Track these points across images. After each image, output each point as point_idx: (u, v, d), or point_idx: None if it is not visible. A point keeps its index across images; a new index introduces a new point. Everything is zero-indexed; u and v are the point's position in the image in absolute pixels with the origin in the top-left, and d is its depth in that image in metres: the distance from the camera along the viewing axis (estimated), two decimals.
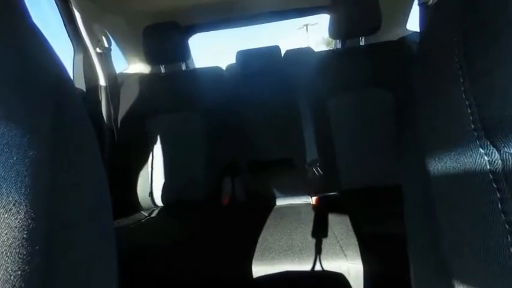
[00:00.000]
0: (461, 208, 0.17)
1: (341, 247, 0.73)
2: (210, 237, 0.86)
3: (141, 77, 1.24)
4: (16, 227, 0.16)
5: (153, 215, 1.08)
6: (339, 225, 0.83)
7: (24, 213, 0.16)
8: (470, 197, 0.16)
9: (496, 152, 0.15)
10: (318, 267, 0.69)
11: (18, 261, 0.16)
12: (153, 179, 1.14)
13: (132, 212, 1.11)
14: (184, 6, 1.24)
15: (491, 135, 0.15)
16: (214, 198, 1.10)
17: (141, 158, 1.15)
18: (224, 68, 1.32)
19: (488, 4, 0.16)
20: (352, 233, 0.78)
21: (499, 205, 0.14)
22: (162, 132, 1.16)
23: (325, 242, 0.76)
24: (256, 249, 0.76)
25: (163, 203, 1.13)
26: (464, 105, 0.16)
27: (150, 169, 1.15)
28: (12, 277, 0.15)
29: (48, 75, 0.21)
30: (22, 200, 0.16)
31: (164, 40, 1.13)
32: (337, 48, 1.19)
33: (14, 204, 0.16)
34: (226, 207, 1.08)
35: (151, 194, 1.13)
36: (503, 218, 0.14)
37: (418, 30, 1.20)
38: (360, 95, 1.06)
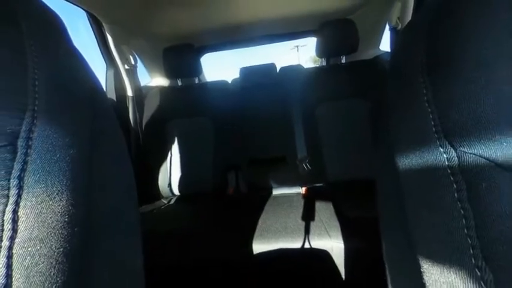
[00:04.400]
0: (424, 198, 0.17)
1: (326, 229, 0.72)
2: (218, 222, 0.86)
3: (162, 89, 1.24)
4: (59, 212, 0.16)
5: (171, 202, 1.08)
6: (324, 210, 0.83)
7: (66, 201, 0.16)
8: (432, 188, 0.16)
9: (453, 151, 0.15)
10: (306, 245, 0.69)
11: (60, 240, 0.16)
12: (171, 173, 1.14)
13: (155, 200, 1.11)
14: (197, 30, 1.24)
15: (449, 137, 0.15)
16: (221, 189, 1.11)
17: (162, 155, 1.15)
18: (229, 82, 1.32)
19: (446, 32, 0.16)
20: (335, 217, 0.78)
21: (456, 194, 0.14)
22: (178, 134, 1.17)
23: (313, 225, 0.75)
24: (256, 231, 0.76)
25: (179, 193, 1.14)
26: (427, 112, 0.16)
27: (169, 165, 1.15)
28: (55, 253, 0.15)
29: (86, 88, 0.21)
30: (64, 190, 0.16)
31: (180, 59, 1.13)
32: (322, 65, 1.18)
33: (57, 194, 0.16)
34: (231, 197, 1.08)
35: (169, 185, 1.13)
36: (459, 205, 0.14)
37: (389, 50, 1.20)
38: (342, 103, 1.06)
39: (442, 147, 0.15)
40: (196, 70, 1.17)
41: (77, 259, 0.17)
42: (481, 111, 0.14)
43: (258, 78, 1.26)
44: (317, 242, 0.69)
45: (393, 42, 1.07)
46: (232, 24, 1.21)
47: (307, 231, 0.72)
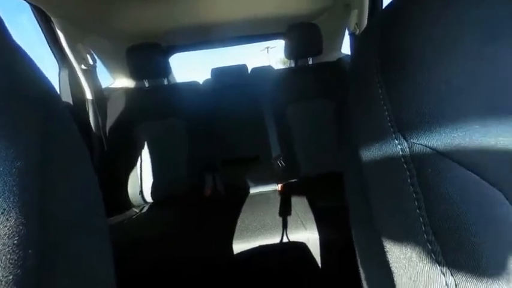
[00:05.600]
0: (384, 186, 0.18)
1: (301, 221, 0.75)
2: (196, 225, 0.83)
3: (127, 91, 1.15)
4: (6, 235, 0.13)
5: (144, 210, 1.01)
6: (300, 204, 0.86)
7: (14, 220, 0.14)
8: (390, 177, 0.18)
9: (405, 142, 0.17)
10: (285, 240, 0.71)
11: (9, 267, 0.13)
12: (142, 179, 1.07)
13: (125, 210, 1.02)
14: (164, 29, 1.18)
15: (402, 130, 0.17)
16: (198, 191, 1.07)
17: (131, 161, 1.07)
18: (201, 83, 1.28)
19: (395, 38, 0.18)
20: (309, 210, 0.81)
21: (409, 180, 0.16)
22: (149, 137, 1.09)
23: (290, 219, 0.78)
24: (236, 230, 0.75)
25: (152, 199, 1.07)
26: (383, 110, 0.18)
27: (139, 171, 1.07)
28: (3, 282, 0.13)
29: (34, 91, 0.18)
30: (11, 208, 0.14)
31: (147, 59, 1.06)
32: (291, 67, 1.23)
33: (2, 213, 0.13)
34: (208, 198, 1.05)
35: (141, 192, 1.06)
36: (412, 189, 0.16)
37: (349, 53, 1.30)
38: (311, 103, 1.11)
39: (397, 140, 0.17)
40: (165, 71, 1.12)
41: (32, 285, 0.15)
42: (425, 108, 0.16)
43: (229, 79, 1.25)
44: (294, 235, 0.71)
45: (352, 46, 1.16)
46: (201, 24, 1.17)
47: (284, 226, 0.74)
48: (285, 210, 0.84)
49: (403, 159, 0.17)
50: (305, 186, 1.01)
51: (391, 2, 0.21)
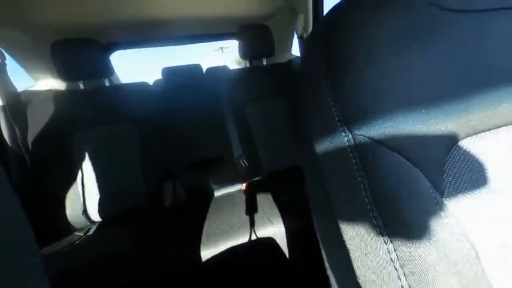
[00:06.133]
0: (337, 174, 0.20)
1: (268, 217, 0.78)
2: (157, 238, 0.76)
3: (56, 94, 0.96)
4: None
5: (90, 232, 0.86)
6: (265, 200, 0.89)
7: None
8: (341, 165, 0.20)
9: (350, 134, 0.19)
10: (253, 237, 0.72)
11: None
12: (85, 196, 0.91)
13: (64, 235, 0.86)
14: (102, 24, 1.03)
15: (347, 123, 0.19)
16: (157, 201, 0.98)
17: (67, 176, 0.90)
18: (151, 83, 1.17)
19: (336, 42, 0.20)
20: (274, 205, 0.84)
21: (355, 167, 0.19)
22: (90, 147, 0.94)
23: (256, 216, 0.79)
24: (202, 237, 0.73)
25: (101, 218, 0.93)
26: (330, 106, 0.20)
27: (80, 187, 0.91)
28: None
29: None
30: None
31: (80, 56, 0.90)
32: (246, 67, 1.25)
33: None
34: (169, 208, 0.98)
35: (85, 211, 0.90)
36: (357, 173, 0.18)
37: (299, 55, 1.40)
38: (268, 102, 1.15)
39: (344, 132, 0.19)
40: (105, 70, 0.98)
41: None
42: (363, 104, 0.19)
43: (183, 79, 1.18)
44: (261, 232, 0.73)
45: (301, 49, 1.25)
46: (146, 19, 1.07)
47: (251, 224, 0.75)
48: (251, 209, 0.85)
49: (349, 149, 0.19)
50: (269, 182, 1.04)
51: (330, 10, 0.23)
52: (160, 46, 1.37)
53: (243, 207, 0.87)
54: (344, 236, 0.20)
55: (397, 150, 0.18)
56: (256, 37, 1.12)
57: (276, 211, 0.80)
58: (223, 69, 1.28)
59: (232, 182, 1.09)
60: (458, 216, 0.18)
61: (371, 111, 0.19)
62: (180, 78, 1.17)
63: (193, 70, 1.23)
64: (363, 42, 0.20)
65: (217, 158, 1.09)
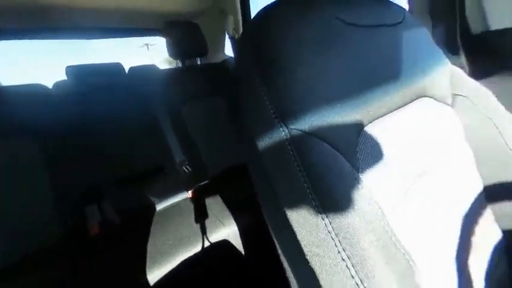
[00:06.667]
0: (280, 167, 0.22)
1: (220, 220, 0.76)
2: (90, 275, 0.62)
3: None
4: None
5: None
6: (214, 204, 0.87)
7: None
8: (280, 158, 0.22)
9: (287, 129, 0.21)
10: (207, 244, 0.69)
11: None
12: None
13: None
14: None
15: (284, 120, 0.21)
16: (79, 232, 0.79)
17: None
18: (50, 86, 0.92)
19: (265, 45, 0.22)
20: (225, 206, 0.84)
21: (293, 158, 0.21)
22: None
23: (208, 222, 0.76)
24: (147, 259, 0.64)
25: None
26: (266, 104, 0.22)
27: None
28: None
29: None
30: None
31: None
32: (179, 67, 1.17)
33: None
34: (98, 235, 0.81)
35: None
36: (295, 163, 0.21)
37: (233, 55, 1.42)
38: (205, 102, 1.12)
39: (281, 128, 0.21)
40: None
41: None
42: (295, 100, 0.21)
43: (98, 80, 0.98)
44: (215, 236, 0.71)
45: (234, 50, 1.28)
46: (40, 4, 0.83)
47: (203, 231, 0.72)
48: (200, 215, 0.81)
49: (286, 143, 0.21)
50: (216, 185, 1.02)
51: (258, 12, 0.25)
52: (62, 38, 1.10)
53: (192, 216, 0.82)
54: (291, 221, 0.22)
55: (324, 140, 0.21)
56: (186, 35, 1.06)
57: (228, 213, 0.80)
58: (152, 68, 1.15)
59: (176, 191, 1.00)
60: (369, 185, 0.22)
61: (301, 107, 0.21)
62: (94, 79, 0.97)
63: (112, 69, 1.04)
64: (291, 43, 0.22)
65: (155, 168, 0.98)
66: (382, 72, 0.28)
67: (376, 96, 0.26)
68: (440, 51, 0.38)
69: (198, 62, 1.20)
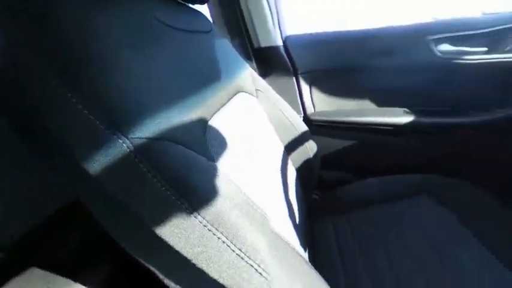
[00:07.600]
0: (129, 183, 0.19)
1: None
2: None
3: None
4: None
5: None
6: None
7: None
8: (129, 173, 0.18)
9: (127, 139, 0.18)
10: None
11: None
12: None
13: None
14: None
15: (120, 130, 0.18)
16: None
17: None
18: None
19: (54, 42, 0.16)
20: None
21: (145, 169, 0.18)
22: None
23: None
24: None
25: None
26: (91, 121, 0.17)
27: None
28: None
29: None
30: None
31: None
32: None
33: None
34: None
35: None
36: (149, 175, 0.18)
37: None
38: None
39: (120, 139, 0.17)
40: None
41: None
42: (126, 108, 0.18)
43: None
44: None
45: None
46: None
47: None
48: None
49: (132, 155, 0.18)
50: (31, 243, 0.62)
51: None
52: None
53: None
54: (164, 238, 0.20)
55: (174, 141, 0.21)
56: None
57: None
58: None
59: None
60: (223, 169, 0.26)
61: (137, 113, 0.19)
62: None
63: None
64: (102, 48, 0.18)
65: None
66: (207, 73, 0.33)
67: (208, 94, 0.30)
68: (241, 57, 0.51)
69: None
